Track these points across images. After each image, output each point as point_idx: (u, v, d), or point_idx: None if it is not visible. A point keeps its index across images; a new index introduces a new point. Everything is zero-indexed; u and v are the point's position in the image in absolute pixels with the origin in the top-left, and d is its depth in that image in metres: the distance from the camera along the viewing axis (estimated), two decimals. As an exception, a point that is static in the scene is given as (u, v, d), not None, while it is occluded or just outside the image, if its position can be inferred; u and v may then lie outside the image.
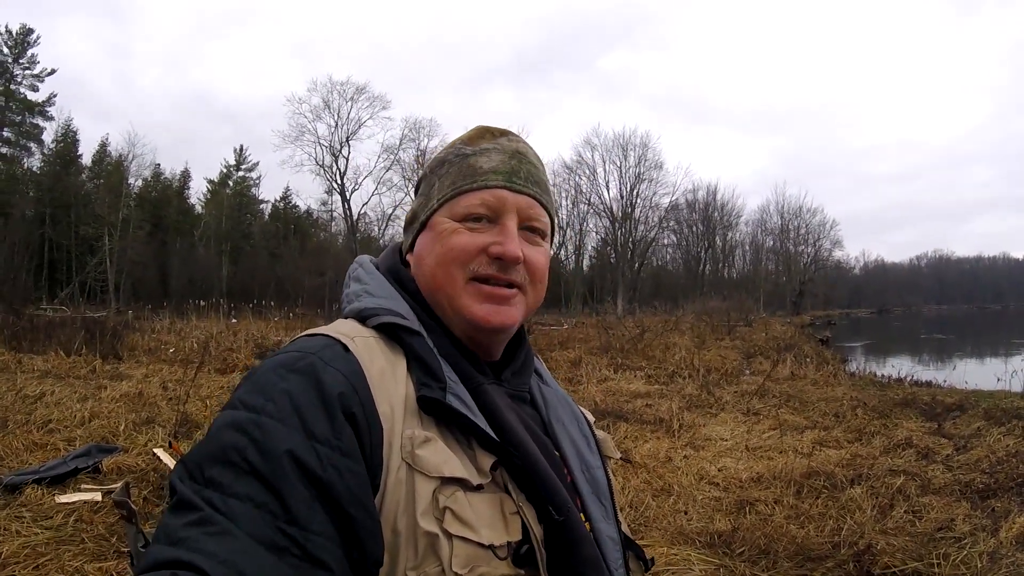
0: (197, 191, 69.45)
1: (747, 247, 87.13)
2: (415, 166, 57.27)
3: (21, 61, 48.71)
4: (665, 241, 77.17)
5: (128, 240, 48.69)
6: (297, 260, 57.69)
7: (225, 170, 67.35)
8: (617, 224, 65.85)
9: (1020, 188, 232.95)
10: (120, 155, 53.78)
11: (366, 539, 0.78)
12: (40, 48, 50.36)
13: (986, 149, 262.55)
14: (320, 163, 54.90)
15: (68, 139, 54.13)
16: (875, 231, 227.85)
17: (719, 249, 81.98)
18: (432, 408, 0.89)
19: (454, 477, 0.85)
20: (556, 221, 1.16)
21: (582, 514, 1.01)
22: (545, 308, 44.24)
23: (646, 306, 51.02)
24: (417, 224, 1.09)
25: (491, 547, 0.84)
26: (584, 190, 66.08)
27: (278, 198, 71.02)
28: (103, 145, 56.77)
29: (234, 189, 66.86)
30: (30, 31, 49.01)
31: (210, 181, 67.21)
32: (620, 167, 65.35)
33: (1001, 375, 11.89)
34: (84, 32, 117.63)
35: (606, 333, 21.69)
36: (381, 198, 69.15)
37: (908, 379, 13.98)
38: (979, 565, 3.99)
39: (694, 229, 78.26)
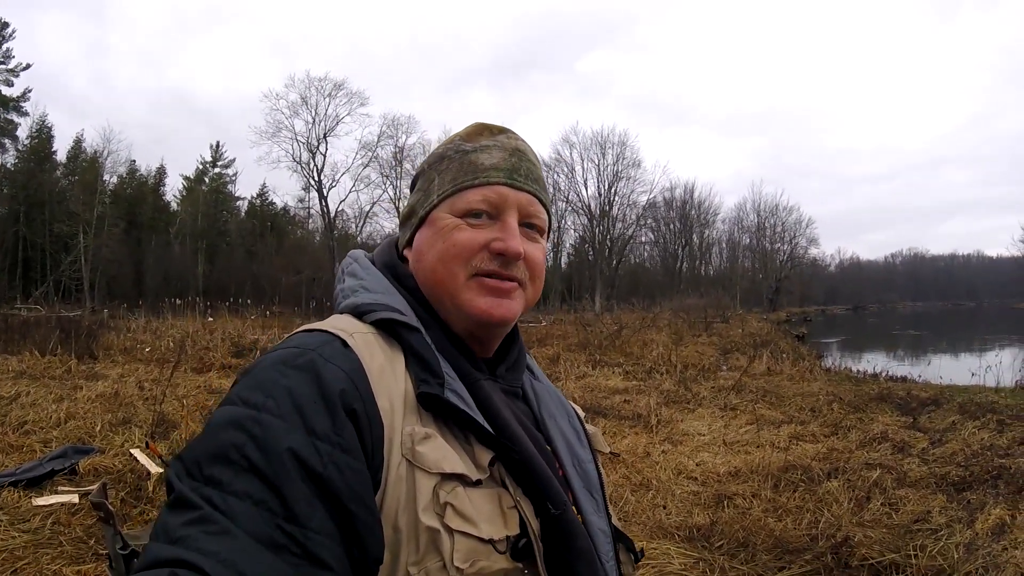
0: (173, 188, 68.69)
1: (724, 245, 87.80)
2: (393, 163, 57.16)
3: (-4, 56, 47.87)
4: (643, 239, 77.35)
5: (103, 238, 48.04)
6: (274, 258, 57.23)
7: (201, 167, 66.62)
8: (595, 222, 66.03)
9: (995, 189, 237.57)
10: (95, 151, 52.98)
11: (367, 537, 0.78)
12: (15, 43, 49.46)
13: (963, 152, 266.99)
14: (297, 160, 54.51)
15: (43, 135, 53.03)
16: (851, 231, 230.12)
17: (696, 246, 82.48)
18: (431, 404, 0.89)
19: (454, 473, 0.85)
20: (552, 218, 1.17)
21: (574, 507, 1.02)
22: (524, 305, 44.19)
23: (624, 303, 51.18)
24: (415, 219, 1.08)
25: (491, 541, 0.85)
26: (562, 188, 66.15)
27: (255, 195, 70.40)
28: (78, 141, 55.80)
29: (210, 186, 66.09)
30: (5, 25, 47.90)
31: (186, 178, 66.44)
32: (598, 165, 65.56)
33: (975, 370, 12.09)
34: (60, 27, 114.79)
35: (584, 330, 21.77)
36: (359, 195, 69.17)
37: (883, 374, 14.16)
38: (955, 556, 4.04)
39: (671, 227, 78.64)
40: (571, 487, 1.06)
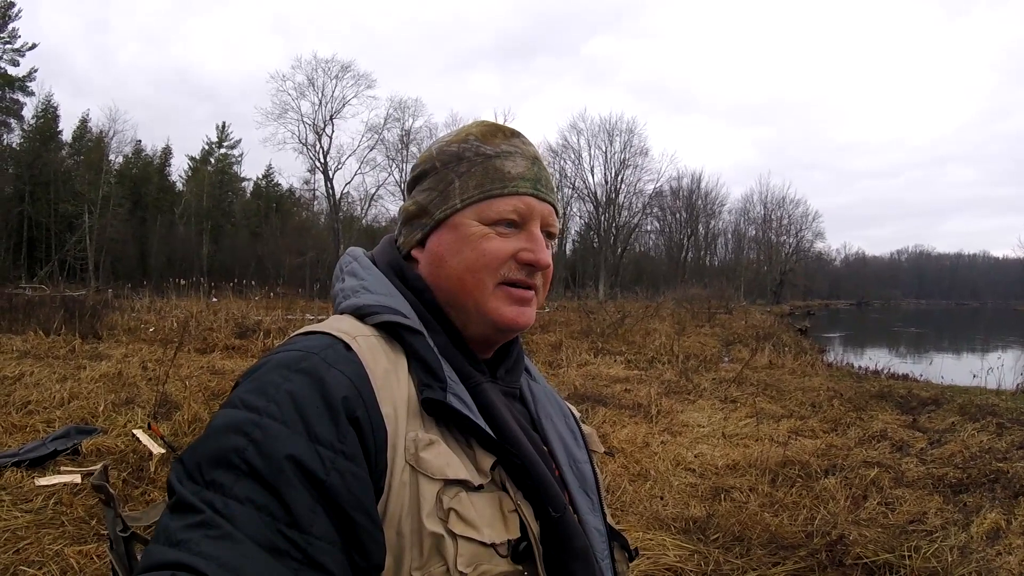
0: (178, 168, 68.79)
1: (729, 236, 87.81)
2: (399, 146, 57.02)
3: (2, 35, 47.51)
4: (648, 227, 77.48)
5: (108, 218, 48.21)
6: (278, 239, 57.33)
7: (207, 147, 66.68)
8: (601, 209, 66.02)
9: (1002, 188, 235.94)
10: (101, 131, 53.07)
11: (368, 543, 0.78)
12: (21, 22, 49.32)
13: (970, 149, 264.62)
14: (303, 141, 54.62)
15: (48, 115, 53.10)
16: (856, 225, 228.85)
17: (702, 237, 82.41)
18: (434, 409, 0.89)
19: (457, 479, 0.86)
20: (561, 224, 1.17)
21: (570, 507, 1.02)
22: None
23: (627, 291, 51.25)
24: (429, 220, 1.06)
25: (492, 545, 0.85)
26: (569, 174, 66.22)
27: (260, 176, 70.55)
28: (83, 121, 55.84)
29: (216, 167, 66.14)
30: (11, 4, 47.61)
31: (191, 158, 66.55)
32: (605, 152, 65.64)
33: (977, 371, 12.03)
34: (62, 5, 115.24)
35: (587, 317, 21.75)
36: (364, 177, 69.33)
37: (885, 372, 14.13)
38: (949, 559, 4.03)
39: (677, 216, 78.61)
40: (567, 487, 1.06)
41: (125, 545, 1.28)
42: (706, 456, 6.64)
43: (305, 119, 54.19)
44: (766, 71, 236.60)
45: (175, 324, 15.18)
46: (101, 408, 6.94)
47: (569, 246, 73.56)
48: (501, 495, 0.90)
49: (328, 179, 56.24)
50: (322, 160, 55.51)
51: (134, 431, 6.13)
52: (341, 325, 0.94)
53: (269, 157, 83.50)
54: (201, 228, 59.32)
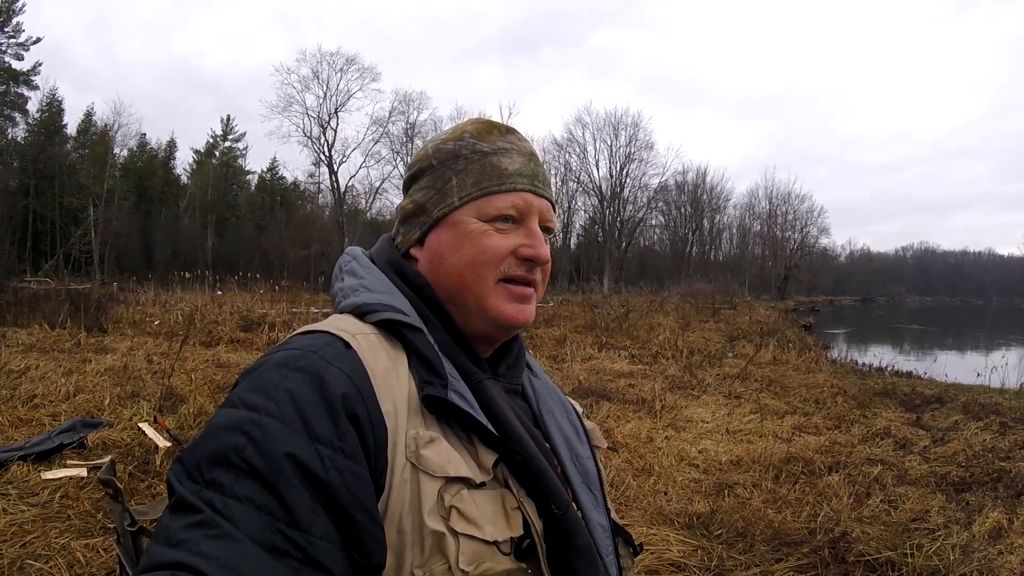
0: (183, 161, 68.88)
1: (734, 230, 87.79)
2: (404, 139, 56.99)
3: (6, 30, 47.39)
4: (653, 222, 77.57)
5: (113, 211, 48.29)
6: (283, 232, 57.45)
7: (211, 140, 66.83)
8: (606, 203, 65.93)
9: (1008, 185, 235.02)
10: (106, 125, 53.15)
11: (368, 542, 0.78)
12: (25, 16, 49.25)
13: (977, 144, 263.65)
14: (308, 134, 54.54)
15: (53, 109, 53.18)
16: (861, 220, 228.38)
17: (706, 231, 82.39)
18: (435, 406, 0.89)
19: (459, 476, 0.86)
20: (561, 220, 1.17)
21: (573, 503, 1.03)
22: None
23: (632, 286, 51.17)
24: (427, 219, 1.06)
25: (495, 543, 0.85)
26: (574, 168, 66.19)
27: (265, 169, 70.52)
28: (88, 115, 55.98)
29: (220, 160, 66.23)
30: (15, -1, 47.94)
31: (196, 151, 66.66)
32: (611, 146, 65.49)
33: (981, 370, 11.98)
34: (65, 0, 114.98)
35: (591, 312, 21.78)
36: (369, 171, 69.18)
37: (889, 369, 14.10)
38: (951, 558, 4.02)
39: (682, 211, 78.61)
40: (570, 483, 1.06)
41: (133, 539, 1.29)
42: (710, 452, 6.64)
43: (310, 112, 54.19)
44: (773, 64, 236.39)
45: (180, 317, 15.20)
46: (107, 401, 6.94)
47: (574, 240, 73.61)
48: (503, 492, 0.90)
49: (333, 172, 56.22)
50: (327, 153, 55.49)
51: (140, 424, 6.14)
52: (341, 324, 0.94)
53: (274, 150, 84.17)
54: (206, 221, 59.42)
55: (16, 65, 48.69)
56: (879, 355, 17.39)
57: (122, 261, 48.37)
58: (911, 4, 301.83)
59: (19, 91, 49.45)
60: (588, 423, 1.26)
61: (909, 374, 13.50)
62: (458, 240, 1.02)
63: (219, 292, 23.10)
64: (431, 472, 0.84)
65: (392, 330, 0.95)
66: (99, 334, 12.62)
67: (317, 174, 61.49)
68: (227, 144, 67.08)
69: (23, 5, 47.78)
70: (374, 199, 60.42)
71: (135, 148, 59.23)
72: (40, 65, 50.26)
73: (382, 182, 58.42)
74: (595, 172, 66.07)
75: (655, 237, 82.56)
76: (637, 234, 72.63)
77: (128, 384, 7.90)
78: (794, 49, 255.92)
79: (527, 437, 0.97)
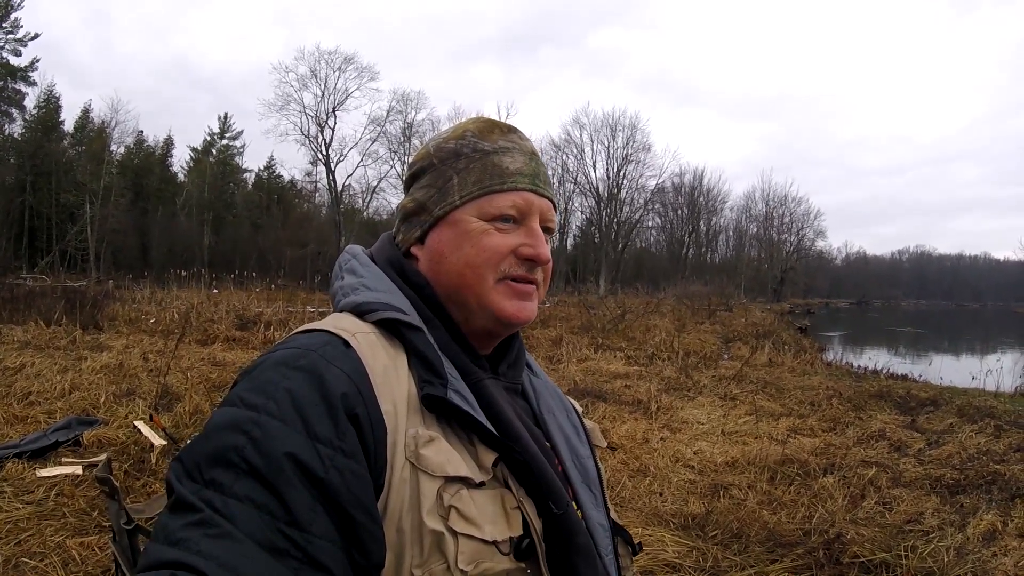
0: (180, 159, 68.88)
1: (731, 233, 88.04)
2: (401, 139, 57.01)
3: (4, 25, 47.27)
4: (650, 223, 77.69)
5: (109, 208, 48.23)
6: (280, 231, 57.46)
7: (209, 138, 66.67)
8: (603, 204, 65.99)
9: (1006, 189, 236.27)
10: (103, 122, 53.03)
11: (368, 542, 0.78)
12: (23, 12, 49.12)
13: (976, 148, 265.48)
14: (305, 133, 54.58)
15: (50, 105, 53.09)
16: (858, 223, 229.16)
17: (703, 233, 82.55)
18: (435, 406, 0.88)
19: (458, 476, 0.86)
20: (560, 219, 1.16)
21: (573, 502, 1.02)
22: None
23: (628, 287, 51.28)
24: (428, 217, 1.06)
25: (494, 543, 0.85)
26: (571, 169, 66.22)
27: (262, 167, 70.61)
28: (85, 111, 55.83)
29: (217, 158, 66.11)
30: (14, -6, 47.77)
31: (193, 149, 66.60)
32: (608, 147, 65.54)
33: (976, 373, 12.02)
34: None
35: (588, 313, 21.84)
36: (366, 170, 69.41)
37: (884, 371, 14.11)
38: (945, 560, 4.04)
39: (679, 212, 78.75)
40: (570, 482, 1.06)
41: (128, 537, 1.30)
42: (705, 453, 6.65)
43: (307, 111, 54.23)
44: (772, 66, 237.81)
45: (176, 315, 15.18)
46: (102, 399, 6.93)
47: (570, 241, 73.73)
48: (503, 492, 0.90)
49: (330, 171, 56.19)
50: (324, 152, 55.50)
51: (135, 422, 6.14)
52: (340, 323, 0.93)
53: (271, 149, 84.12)
54: (202, 219, 59.36)
55: (14, 61, 48.67)
56: (874, 358, 17.39)
57: (118, 258, 48.20)
58: (912, 6, 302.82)
59: (16, 87, 49.37)
60: (588, 422, 1.26)
61: (904, 377, 13.52)
62: (459, 239, 1.02)
63: (215, 290, 23.10)
64: (430, 472, 0.84)
65: (392, 329, 0.95)
66: (95, 332, 12.58)
67: (314, 173, 61.61)
68: (224, 142, 66.99)
69: (21, 1, 47.73)
70: (371, 198, 60.57)
71: (132, 145, 59.20)
72: (38, 61, 50.28)
73: (379, 181, 58.55)
74: (592, 173, 66.19)
75: (651, 239, 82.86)
76: (634, 235, 72.72)
77: (124, 382, 7.90)
78: (793, 51, 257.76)
79: (527, 436, 0.97)
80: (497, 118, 1.17)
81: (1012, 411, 8.70)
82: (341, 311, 1.01)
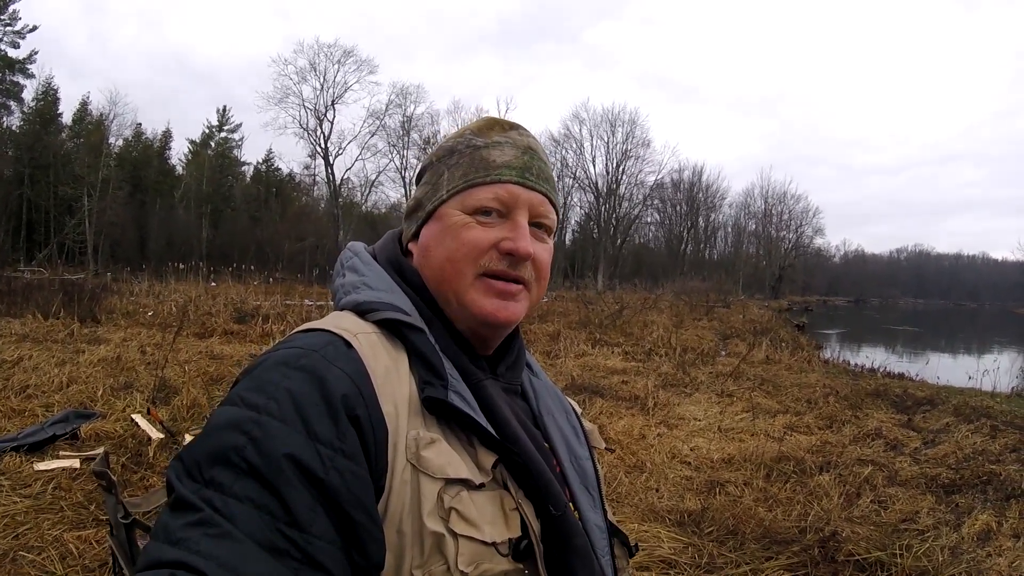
0: (178, 152, 68.64)
1: (729, 229, 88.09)
2: (400, 132, 57.02)
3: (2, 17, 47.16)
4: (648, 219, 77.71)
5: (107, 201, 48.16)
6: (278, 224, 57.44)
7: (207, 131, 66.55)
8: (601, 200, 66.05)
9: (1004, 190, 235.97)
10: (101, 114, 52.95)
11: (368, 543, 0.77)
12: (21, 5, 48.99)
13: (975, 149, 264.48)
14: (304, 126, 54.55)
15: (48, 97, 52.95)
16: (856, 221, 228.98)
17: (701, 230, 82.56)
18: (435, 407, 0.88)
19: (459, 478, 0.85)
20: (560, 216, 1.16)
21: (571, 503, 1.02)
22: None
23: (626, 283, 51.39)
24: (422, 213, 1.06)
25: (494, 544, 0.85)
26: (570, 164, 66.23)
27: (260, 160, 70.42)
28: (84, 104, 55.74)
29: (216, 151, 66.00)
30: (12, -14, 47.57)
31: (191, 142, 66.49)
32: (607, 143, 65.66)
33: (972, 373, 12.03)
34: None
35: (586, 308, 21.84)
36: (365, 163, 69.39)
37: (881, 370, 14.14)
38: (940, 559, 4.05)
39: (678, 209, 78.78)
40: (568, 484, 1.06)
41: (126, 531, 1.30)
42: (702, 449, 6.66)
43: (306, 104, 54.22)
44: (772, 64, 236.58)
45: (174, 308, 15.21)
46: (100, 392, 6.93)
47: (569, 236, 73.68)
48: (502, 493, 0.90)
49: (329, 165, 56.18)
50: (323, 145, 55.49)
51: (133, 416, 6.14)
52: (342, 322, 0.93)
53: (270, 142, 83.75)
54: (201, 212, 59.32)
55: (12, 53, 48.50)
56: (871, 356, 17.43)
57: (116, 251, 48.21)
58: (912, 6, 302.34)
59: (15, 79, 49.24)
60: (587, 424, 1.25)
61: (901, 376, 13.55)
62: (442, 233, 1.02)
63: (213, 283, 23.11)
64: (431, 474, 0.84)
65: (393, 329, 0.94)
66: (92, 325, 12.57)
67: (313, 166, 61.54)
68: (223, 135, 66.88)
69: (19, -6, 47.54)
70: (370, 192, 60.62)
71: (130, 138, 59.20)
72: (36, 53, 50.14)
73: (378, 175, 58.60)
74: (591, 168, 66.27)
75: (650, 234, 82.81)
76: (632, 231, 72.80)
77: (121, 375, 7.89)
78: (795, 49, 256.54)
79: (526, 438, 0.97)
80: (497, 113, 1.17)
81: (1008, 411, 8.72)
82: (342, 309, 1.00)
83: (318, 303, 18.48)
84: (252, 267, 28.97)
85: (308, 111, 54.29)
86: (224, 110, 67.36)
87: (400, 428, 0.85)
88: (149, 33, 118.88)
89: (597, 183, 65.93)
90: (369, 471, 0.81)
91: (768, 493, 5.42)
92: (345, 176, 58.16)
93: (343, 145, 58.13)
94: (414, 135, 56.84)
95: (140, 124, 61.41)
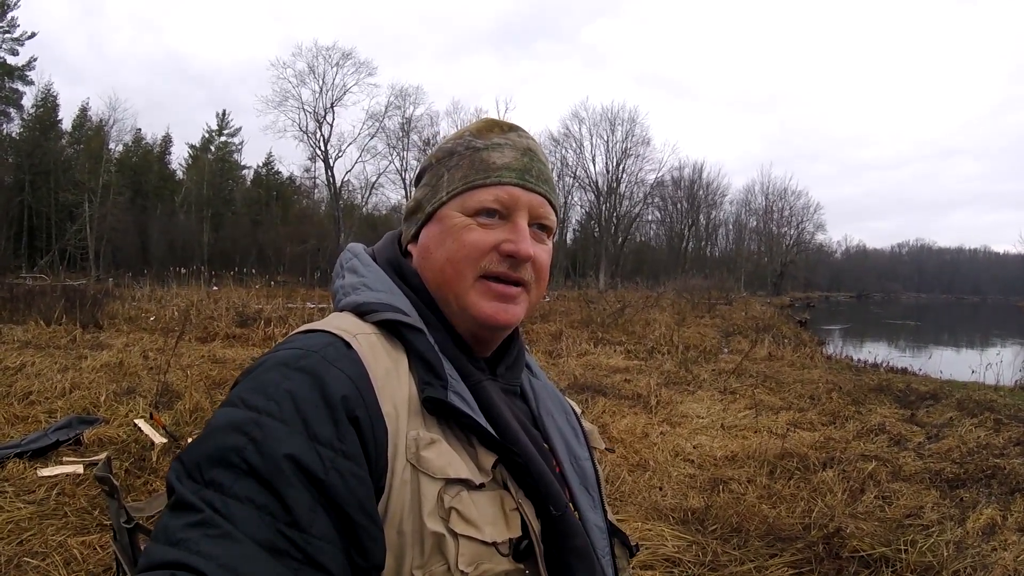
0: (178, 156, 68.72)
1: (731, 226, 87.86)
2: (400, 134, 56.98)
3: (1, 24, 47.32)
4: (649, 217, 77.61)
5: (108, 206, 48.18)
6: (279, 227, 57.42)
7: (207, 135, 66.48)
8: (602, 198, 66.02)
9: (1005, 184, 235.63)
10: (101, 120, 52.92)
11: (368, 544, 0.78)
12: (20, 11, 48.96)
13: (975, 143, 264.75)
14: (304, 129, 54.47)
15: (48, 104, 52.97)
16: (858, 217, 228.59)
17: (703, 227, 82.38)
18: (435, 408, 0.88)
19: (459, 478, 0.86)
20: (559, 218, 1.16)
21: (571, 504, 1.02)
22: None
23: (628, 281, 51.42)
24: (422, 215, 1.07)
25: (494, 544, 0.86)
26: (570, 163, 66.19)
27: (260, 164, 70.39)
28: (83, 110, 55.62)
29: (216, 155, 65.99)
30: (11, -7, 47.54)
31: (191, 146, 66.42)
32: (607, 141, 65.59)
33: (975, 367, 12.03)
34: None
35: (587, 307, 21.79)
36: (365, 166, 69.40)
37: (884, 365, 14.15)
38: (945, 554, 4.04)
39: (679, 206, 78.62)
40: (568, 484, 1.06)
41: (129, 536, 1.30)
42: (705, 447, 6.65)
43: (306, 107, 54.12)
44: (771, 61, 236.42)
45: (176, 313, 15.20)
46: (103, 398, 6.93)
47: (570, 235, 73.66)
48: (503, 494, 0.90)
49: (329, 167, 56.14)
50: (323, 148, 55.40)
51: (136, 421, 6.14)
52: (341, 323, 0.93)
53: (269, 145, 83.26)
54: (202, 216, 59.31)
55: (11, 60, 48.50)
56: (874, 351, 17.43)
57: (118, 257, 48.12)
58: (913, 3, 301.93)
59: (14, 86, 49.23)
60: (587, 424, 1.25)
61: (904, 370, 13.54)
62: (442, 235, 1.02)
63: (215, 287, 23.09)
64: (431, 474, 0.84)
65: (393, 330, 0.94)
66: (95, 330, 12.59)
67: (313, 169, 61.43)
68: (222, 139, 66.80)
69: (17, 0, 47.56)
70: (370, 194, 60.51)
71: (130, 143, 59.09)
72: (35, 60, 50.11)
73: (378, 177, 58.52)
74: (591, 167, 66.18)
75: (651, 232, 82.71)
76: (633, 229, 72.71)
77: (124, 380, 7.90)
78: (794, 47, 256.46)
79: (525, 438, 0.97)
80: (496, 114, 1.18)
81: (1012, 405, 8.73)
82: (342, 310, 1.00)
83: (320, 306, 18.49)
84: (254, 271, 29.04)
85: (307, 114, 54.31)
86: (223, 114, 67.43)
87: (400, 428, 0.85)
88: (147, 37, 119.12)
89: (597, 182, 65.94)
90: (369, 472, 0.81)
91: (772, 490, 5.41)
92: (345, 178, 58.21)
93: (343, 147, 58.07)
94: (413, 137, 56.84)
95: (140, 129, 61.49)
